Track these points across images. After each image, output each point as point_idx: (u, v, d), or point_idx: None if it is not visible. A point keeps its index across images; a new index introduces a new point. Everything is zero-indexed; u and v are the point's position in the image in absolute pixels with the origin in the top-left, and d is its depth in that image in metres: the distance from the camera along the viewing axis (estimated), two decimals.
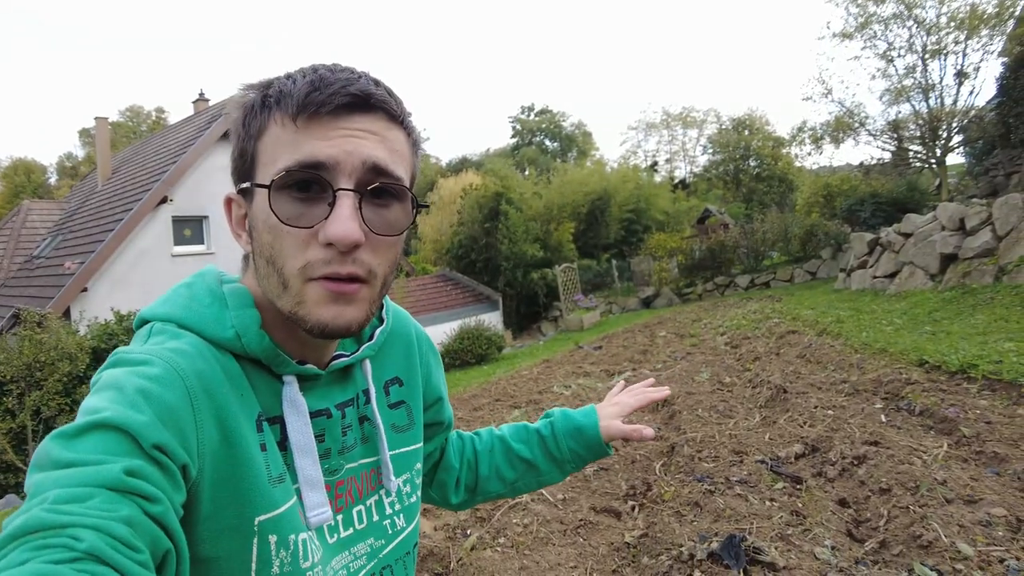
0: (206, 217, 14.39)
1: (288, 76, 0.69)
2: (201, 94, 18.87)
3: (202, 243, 14.51)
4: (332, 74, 0.67)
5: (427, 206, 0.76)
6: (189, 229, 14.47)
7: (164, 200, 13.88)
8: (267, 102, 0.68)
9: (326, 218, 0.65)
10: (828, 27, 21.33)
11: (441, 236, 22.40)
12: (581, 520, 3.06)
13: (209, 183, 14.15)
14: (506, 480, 1.11)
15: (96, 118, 18.49)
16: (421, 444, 0.94)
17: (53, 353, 7.63)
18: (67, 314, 11.87)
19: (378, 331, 0.86)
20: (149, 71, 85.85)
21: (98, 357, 7.90)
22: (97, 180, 18.62)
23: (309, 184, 0.65)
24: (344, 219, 0.64)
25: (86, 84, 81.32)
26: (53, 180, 44.75)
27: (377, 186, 0.67)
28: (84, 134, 45.49)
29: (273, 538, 0.66)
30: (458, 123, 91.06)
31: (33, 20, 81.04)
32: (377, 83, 0.69)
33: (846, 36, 18.59)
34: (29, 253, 17.16)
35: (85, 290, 12.53)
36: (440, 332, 13.21)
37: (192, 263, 13.64)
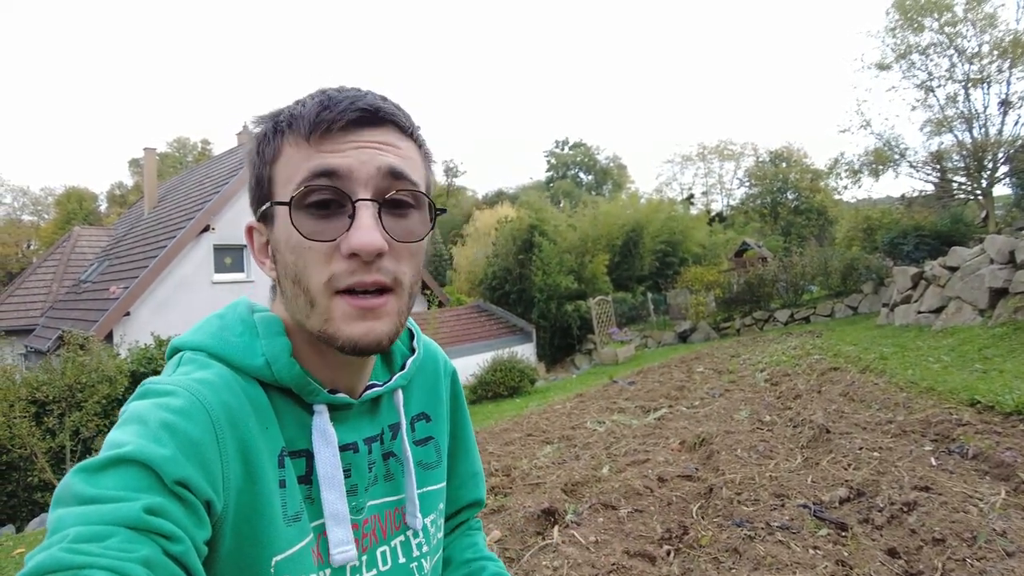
0: (246, 246, 14.65)
1: (297, 102, 0.70)
2: (245, 127, 19.38)
3: (242, 271, 14.79)
4: (339, 93, 0.68)
5: (444, 211, 0.76)
6: (230, 257, 14.78)
7: (206, 229, 14.24)
8: (279, 127, 0.69)
9: (347, 230, 0.65)
10: (862, 59, 21.20)
11: (475, 267, 22.52)
12: (613, 564, 2.94)
13: (250, 213, 14.42)
14: None
15: (145, 149, 19.16)
16: (444, 483, 0.90)
17: (94, 375, 7.77)
18: (109, 337, 12.15)
19: (410, 361, 0.85)
20: (197, 104, 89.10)
21: (137, 380, 8.04)
22: (144, 208, 19.22)
23: (328, 200, 0.66)
24: (366, 228, 0.64)
25: (138, 116, 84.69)
26: (103, 208, 46.37)
27: (395, 195, 0.67)
28: (133, 164, 47.21)
29: None
30: (494, 157, 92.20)
31: (91, 54, 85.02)
32: (384, 99, 0.70)
33: (883, 67, 18.42)
34: (77, 277, 17.71)
35: (128, 314, 12.83)
36: (473, 363, 13.16)
37: (232, 290, 13.92)
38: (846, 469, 3.95)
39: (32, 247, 39.92)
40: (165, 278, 13.60)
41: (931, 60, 17.63)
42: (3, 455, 7.07)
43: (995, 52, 16.50)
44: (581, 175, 53.57)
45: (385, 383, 0.80)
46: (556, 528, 3.47)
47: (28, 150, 77.62)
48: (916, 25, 17.35)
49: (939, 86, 17.72)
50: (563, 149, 54.22)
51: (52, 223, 40.75)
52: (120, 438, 0.56)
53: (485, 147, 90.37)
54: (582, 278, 18.39)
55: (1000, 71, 16.62)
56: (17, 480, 7.26)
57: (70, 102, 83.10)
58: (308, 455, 0.71)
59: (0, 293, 20.23)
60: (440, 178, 49.56)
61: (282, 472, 0.68)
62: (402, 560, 0.80)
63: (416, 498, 0.81)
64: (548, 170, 53.86)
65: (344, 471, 0.73)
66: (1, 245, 37.69)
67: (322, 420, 0.71)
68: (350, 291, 0.65)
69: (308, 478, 0.71)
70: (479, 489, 1.01)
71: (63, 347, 8.42)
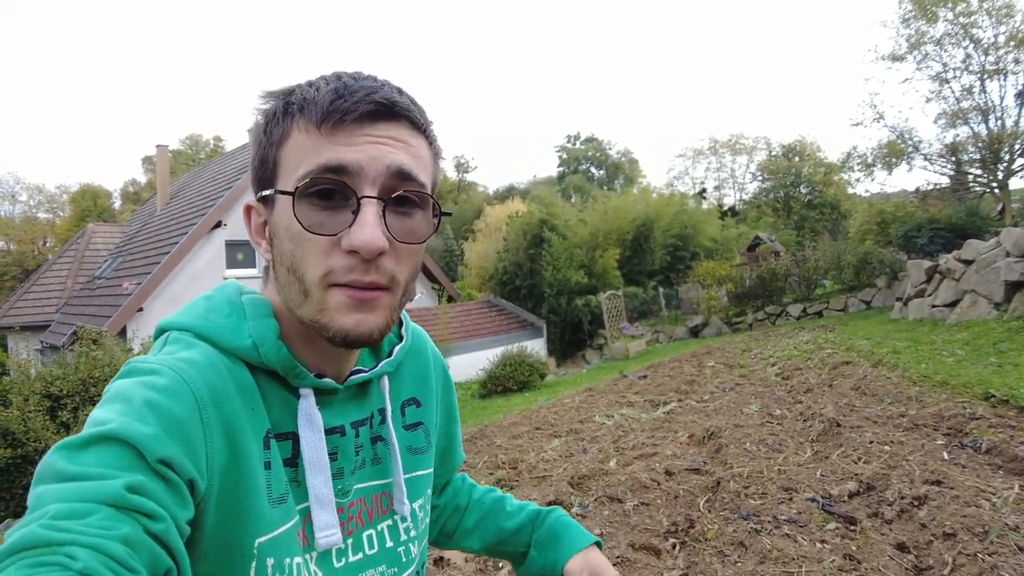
0: None
1: (310, 84, 0.68)
2: (256, 123, 19.45)
3: (254, 267, 14.86)
4: (356, 82, 0.66)
5: (450, 214, 0.76)
6: (241, 253, 14.85)
7: (218, 225, 14.32)
8: (289, 109, 0.67)
9: (350, 225, 0.63)
10: (876, 50, 21.01)
11: (486, 262, 22.53)
12: (618, 557, 2.92)
13: None
14: (485, 542, 1.03)
15: (157, 146, 19.31)
16: (432, 469, 0.90)
17: (107, 370, 7.84)
18: (123, 333, 12.26)
19: (397, 348, 0.84)
20: (209, 101, 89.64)
21: None
22: (156, 205, 19.36)
23: (332, 192, 0.64)
24: (369, 226, 0.63)
25: (151, 114, 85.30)
26: (117, 205, 46.79)
27: (400, 194, 0.65)
28: (147, 161, 47.60)
29: (271, 561, 0.64)
30: (506, 152, 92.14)
31: (104, 53, 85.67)
32: (400, 91, 0.69)
33: (896, 59, 18.19)
34: (91, 273, 17.88)
35: (141, 310, 12.94)
36: (483, 358, 13.15)
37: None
38: (856, 463, 3.90)
39: (48, 244, 40.33)
40: (177, 274, 13.70)
41: (946, 51, 17.40)
42: (18, 448, 7.14)
43: (1012, 43, 16.25)
44: (592, 170, 53.42)
45: (371, 369, 0.80)
46: None
47: (44, 149, 78.48)
48: (930, 15, 17.10)
49: (954, 77, 17.49)
50: (574, 144, 54.11)
51: (67, 220, 41.16)
52: (103, 416, 0.55)
53: (496, 142, 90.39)
54: (593, 273, 18.34)
55: (1017, 62, 16.38)
56: (33, 473, 7.34)
57: (84, 101, 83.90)
58: (294, 438, 0.70)
59: (17, 290, 20.48)
60: (451, 174, 49.67)
61: (267, 454, 0.67)
62: (389, 544, 0.80)
63: (403, 483, 0.81)
64: (559, 165, 53.78)
65: (330, 454, 0.73)
66: (18, 242, 38.13)
67: (308, 404, 0.71)
68: (345, 285, 0.64)
69: (294, 461, 0.70)
70: (462, 453, 1.05)
71: (77, 342, 8.49)
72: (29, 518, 0.48)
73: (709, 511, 3.47)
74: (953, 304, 9.94)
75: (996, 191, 17.30)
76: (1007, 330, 7.67)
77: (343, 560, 0.74)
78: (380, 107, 0.65)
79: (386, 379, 0.82)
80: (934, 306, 10.44)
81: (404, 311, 0.85)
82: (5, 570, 0.44)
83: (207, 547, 0.60)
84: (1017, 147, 16.47)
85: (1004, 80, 16.72)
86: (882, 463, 3.78)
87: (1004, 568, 2.28)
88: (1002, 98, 16.88)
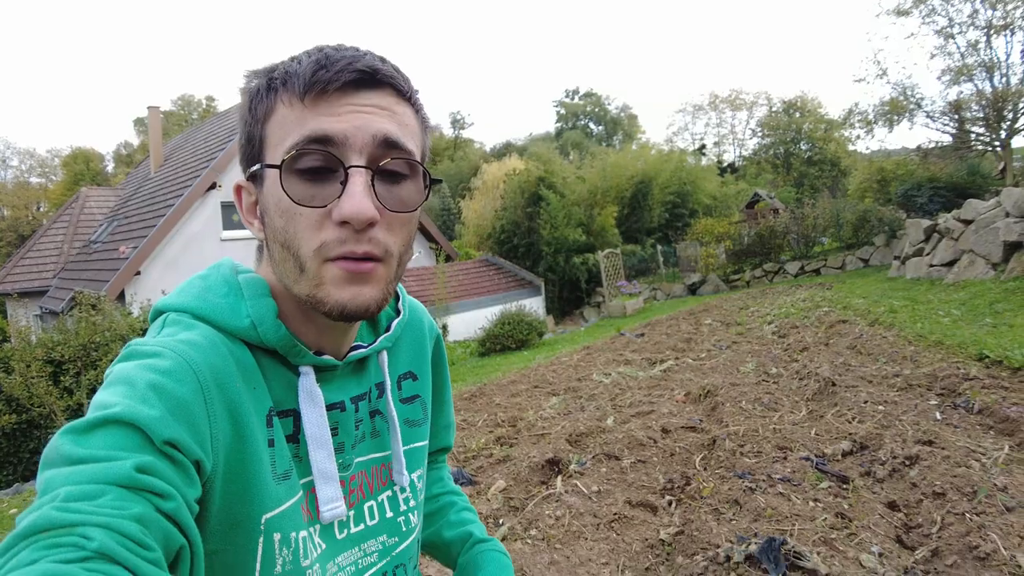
0: None
1: (293, 58, 0.68)
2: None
3: None
4: (337, 52, 0.66)
5: (440, 181, 0.74)
6: (237, 214, 14.74)
7: (213, 186, 14.19)
8: (273, 84, 0.67)
9: (339, 196, 0.63)
10: (880, 4, 20.61)
11: (483, 221, 22.39)
12: (615, 514, 2.99)
13: None
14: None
15: (149, 107, 18.99)
16: (427, 441, 0.92)
17: (107, 334, 7.87)
18: (121, 297, 12.27)
19: (395, 322, 0.85)
20: (201, 60, 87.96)
21: None
22: (150, 167, 19.16)
23: (320, 163, 0.64)
24: (358, 196, 0.63)
25: (142, 74, 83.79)
26: (110, 168, 46.38)
27: (389, 163, 0.65)
28: (139, 123, 46.97)
29: (277, 536, 0.65)
30: (502, 108, 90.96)
31: (92, 13, 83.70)
32: (383, 60, 0.68)
33: (901, 13, 17.83)
34: (87, 238, 17.79)
35: (138, 273, 12.92)
36: (481, 317, 13.21)
37: (240, 247, 13.95)
38: (850, 422, 3.96)
39: (42, 209, 40.05)
40: (174, 237, 13.65)
41: (952, 5, 17.05)
42: (23, 414, 7.22)
43: None
44: (591, 125, 52.83)
45: (370, 344, 0.81)
46: (560, 478, 3.53)
47: (33, 112, 77.33)
48: None
49: (960, 32, 17.17)
50: (573, 99, 53.38)
51: (60, 184, 40.79)
52: (107, 399, 0.56)
53: (493, 97, 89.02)
54: (591, 231, 18.28)
55: None
56: (39, 438, 7.43)
57: (73, 62, 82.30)
58: (296, 414, 0.71)
59: (13, 256, 20.42)
60: (447, 130, 49.02)
61: (270, 431, 0.68)
62: (389, 514, 0.82)
63: (402, 455, 0.82)
64: (557, 121, 53.18)
65: (331, 429, 0.74)
66: (11, 208, 37.88)
67: (308, 381, 0.71)
68: (340, 258, 0.65)
69: (296, 437, 0.71)
70: (449, 438, 1.04)
71: (76, 307, 8.51)
72: (40, 501, 0.48)
73: (705, 469, 3.54)
74: (951, 264, 9.96)
75: (998, 150, 17.15)
76: (1004, 290, 7.70)
77: (345, 531, 0.76)
78: (363, 75, 0.65)
79: (385, 354, 0.83)
80: (932, 265, 10.46)
81: (400, 285, 0.85)
82: (20, 553, 0.44)
83: (214, 525, 0.61)
84: (1021, 105, 16.27)
85: (1011, 36, 16.44)
86: (875, 423, 3.84)
87: (991, 528, 2.33)
88: (1008, 55, 16.63)
